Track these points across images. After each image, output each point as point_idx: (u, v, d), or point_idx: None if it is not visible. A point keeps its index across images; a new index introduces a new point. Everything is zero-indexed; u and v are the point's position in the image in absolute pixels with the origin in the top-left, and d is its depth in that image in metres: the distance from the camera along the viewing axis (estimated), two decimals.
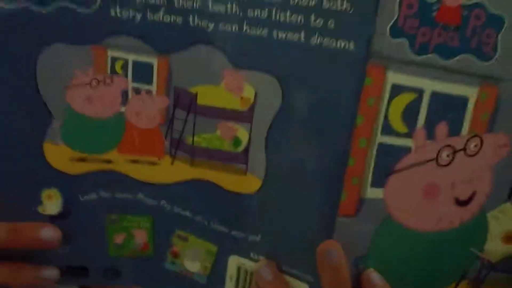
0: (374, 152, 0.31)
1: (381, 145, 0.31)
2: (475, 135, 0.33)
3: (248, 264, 0.36)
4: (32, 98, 0.33)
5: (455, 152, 0.33)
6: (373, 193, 0.32)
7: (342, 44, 0.30)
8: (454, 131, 0.32)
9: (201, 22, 0.32)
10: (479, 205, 0.34)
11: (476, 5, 0.30)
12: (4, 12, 0.32)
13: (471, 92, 0.32)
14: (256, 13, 0.31)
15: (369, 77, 0.30)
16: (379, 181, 0.32)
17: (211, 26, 0.32)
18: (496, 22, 0.31)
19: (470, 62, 0.31)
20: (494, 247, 0.36)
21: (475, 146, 0.33)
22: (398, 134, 0.31)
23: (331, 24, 0.30)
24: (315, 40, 0.31)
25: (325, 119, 0.31)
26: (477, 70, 0.31)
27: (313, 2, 0.30)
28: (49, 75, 0.33)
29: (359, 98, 0.30)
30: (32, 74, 0.33)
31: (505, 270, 0.37)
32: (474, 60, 0.31)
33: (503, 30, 0.31)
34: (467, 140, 0.33)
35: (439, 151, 0.32)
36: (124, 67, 0.34)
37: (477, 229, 0.35)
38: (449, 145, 0.32)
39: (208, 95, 0.34)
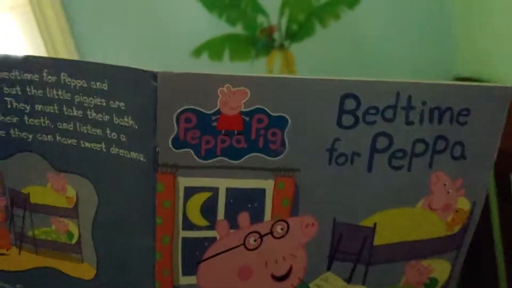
0: (180, 245, 0.34)
1: (185, 238, 0.34)
2: (280, 220, 0.35)
3: None
4: None
5: (262, 236, 0.35)
6: (186, 280, 0.35)
7: (134, 155, 0.33)
8: (258, 218, 0.35)
9: (21, 134, 0.36)
10: (298, 278, 0.37)
11: (257, 110, 0.33)
12: None
13: (266, 184, 0.34)
14: (64, 126, 0.35)
15: (161, 183, 0.33)
16: (190, 270, 0.35)
17: (30, 136, 0.36)
18: (279, 122, 0.33)
19: (260, 159, 0.34)
20: None
21: (282, 229, 0.36)
22: (200, 228, 0.34)
23: (123, 137, 0.33)
24: (113, 150, 0.34)
25: (130, 219, 0.34)
26: (269, 165, 0.34)
27: (106, 118, 0.33)
28: None
29: (155, 202, 0.33)
30: None
31: None
32: (264, 157, 0.34)
33: (287, 128, 0.33)
34: (272, 225, 0.35)
35: (245, 237, 0.35)
36: None
37: None
38: (254, 231, 0.35)
39: (39, 195, 0.37)
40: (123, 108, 0.32)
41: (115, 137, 0.33)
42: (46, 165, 0.36)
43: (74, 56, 2.09)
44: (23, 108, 0.35)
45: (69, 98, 0.34)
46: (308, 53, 1.94)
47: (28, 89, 0.34)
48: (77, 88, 0.33)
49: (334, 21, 1.92)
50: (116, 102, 0.32)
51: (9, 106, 0.35)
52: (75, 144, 0.35)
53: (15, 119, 0.35)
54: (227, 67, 1.92)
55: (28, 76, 0.34)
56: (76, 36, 2.07)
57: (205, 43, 1.91)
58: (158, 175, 0.33)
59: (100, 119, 0.33)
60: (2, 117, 0.35)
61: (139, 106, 0.32)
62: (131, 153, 0.33)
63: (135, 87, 0.32)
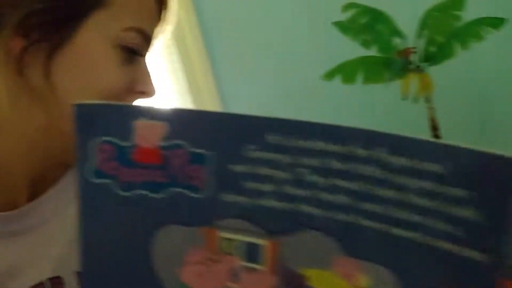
0: None
1: None
2: None
3: None
4: (146, 274, 0.34)
5: None
6: None
7: (466, 252, 0.27)
8: None
9: (311, 210, 0.31)
10: None
11: None
12: (122, 198, 0.33)
13: None
14: (369, 207, 0.29)
15: None
16: None
17: (321, 213, 0.31)
18: None
19: None
20: None
21: None
22: None
23: (452, 230, 0.27)
24: (435, 242, 0.28)
25: None
26: None
27: (434, 205, 0.27)
28: (163, 253, 0.34)
29: None
30: (146, 252, 0.34)
31: None
32: None
33: None
34: None
35: None
36: (235, 246, 0.33)
37: None
38: None
39: (319, 279, 0.32)
40: (462, 196, 0.27)
41: (442, 228, 0.28)
42: (336, 248, 0.31)
43: (215, 93, 2.13)
44: (319, 181, 0.30)
45: (383, 177, 0.29)
46: (447, 76, 1.83)
47: (329, 161, 0.30)
48: (397, 167, 0.28)
49: (476, 43, 1.79)
50: (453, 189, 0.27)
51: (303, 178, 0.31)
52: (379, 228, 0.29)
53: (307, 193, 0.31)
54: (358, 89, 1.85)
55: (332, 147, 0.29)
56: (216, 74, 2.11)
57: (338, 66, 1.85)
58: (500, 280, 0.27)
59: (424, 205, 0.28)
60: (292, 189, 0.31)
61: (485, 196, 0.26)
62: (462, 249, 0.27)
63: (483, 173, 0.26)
